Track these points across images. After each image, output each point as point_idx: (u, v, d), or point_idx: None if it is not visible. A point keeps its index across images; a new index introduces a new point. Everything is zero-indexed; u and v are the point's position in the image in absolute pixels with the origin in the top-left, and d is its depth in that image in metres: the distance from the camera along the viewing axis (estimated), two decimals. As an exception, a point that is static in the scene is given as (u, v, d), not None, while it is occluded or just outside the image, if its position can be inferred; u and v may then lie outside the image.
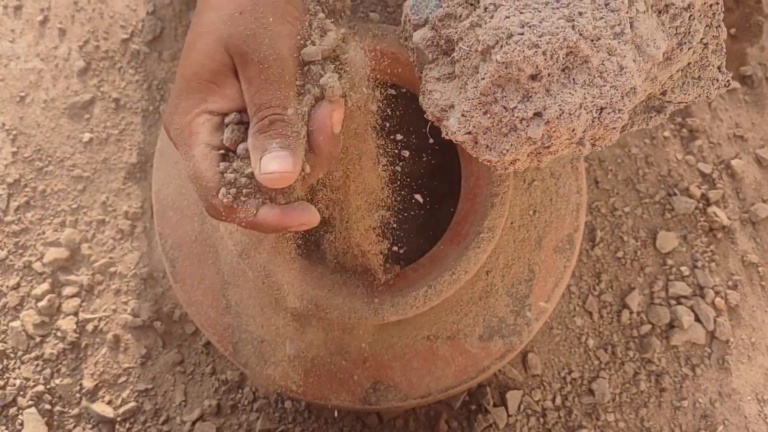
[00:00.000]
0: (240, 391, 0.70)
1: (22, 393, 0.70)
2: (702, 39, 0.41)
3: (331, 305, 0.52)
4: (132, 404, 0.69)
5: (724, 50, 0.42)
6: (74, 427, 0.69)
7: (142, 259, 0.74)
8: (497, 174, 0.54)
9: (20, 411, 0.69)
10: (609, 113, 0.37)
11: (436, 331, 0.56)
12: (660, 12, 0.39)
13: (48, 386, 0.70)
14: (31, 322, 0.71)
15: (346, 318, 0.52)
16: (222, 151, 0.41)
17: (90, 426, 0.69)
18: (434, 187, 0.67)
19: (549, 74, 0.36)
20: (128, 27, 0.81)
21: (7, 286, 0.73)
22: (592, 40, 0.36)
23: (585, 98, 0.36)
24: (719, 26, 0.41)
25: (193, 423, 0.69)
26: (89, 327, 0.72)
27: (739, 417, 0.71)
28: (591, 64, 0.36)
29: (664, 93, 0.42)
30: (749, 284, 0.76)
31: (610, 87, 0.36)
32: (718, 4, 0.40)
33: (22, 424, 0.68)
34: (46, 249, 0.74)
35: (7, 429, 0.68)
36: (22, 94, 0.79)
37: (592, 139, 0.39)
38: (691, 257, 0.76)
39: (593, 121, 0.37)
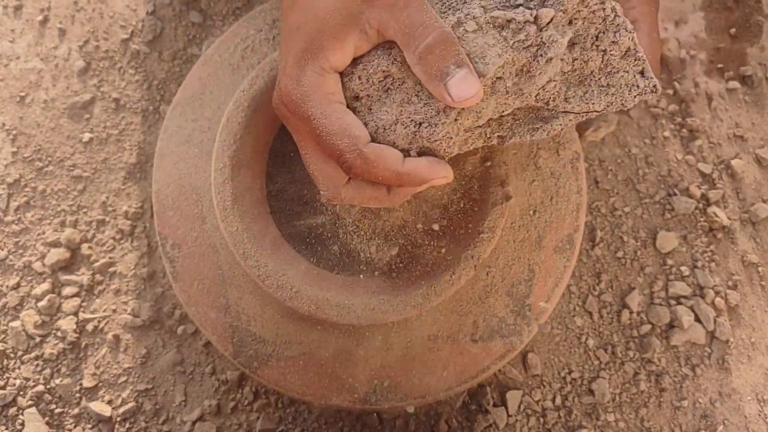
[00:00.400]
0: (240, 391, 0.70)
1: (22, 393, 0.70)
2: (596, 45, 0.41)
3: (331, 305, 0.52)
4: (132, 404, 0.69)
5: (642, 56, 0.41)
6: (74, 427, 0.69)
7: (142, 259, 0.74)
8: (497, 174, 0.54)
9: (20, 411, 0.69)
10: (426, 127, 0.41)
11: (436, 331, 0.56)
12: (501, 28, 0.39)
13: (48, 386, 0.70)
14: (31, 322, 0.71)
15: (346, 318, 0.52)
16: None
17: (90, 426, 0.69)
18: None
19: (368, 95, 0.42)
20: (128, 27, 0.81)
21: (7, 286, 0.73)
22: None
23: (401, 114, 0.41)
24: (618, 32, 0.40)
25: (193, 423, 0.69)
26: (89, 327, 0.72)
27: (739, 417, 0.71)
28: (407, 85, 0.41)
29: (547, 103, 0.42)
30: (749, 284, 0.76)
31: (424, 104, 0.40)
32: (604, 9, 0.40)
33: (22, 424, 0.68)
34: (46, 249, 0.74)
35: (7, 429, 0.69)
36: (22, 94, 0.79)
37: (421, 151, 0.42)
38: (691, 257, 0.76)
39: (415, 135, 0.41)
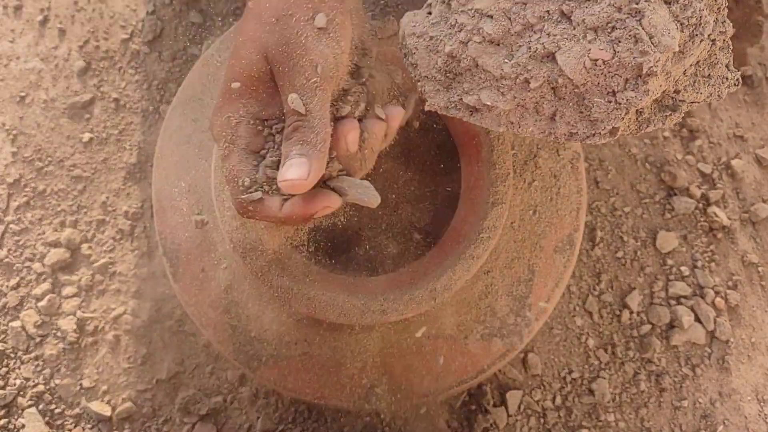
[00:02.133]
0: (240, 391, 0.70)
1: (22, 393, 0.70)
2: (709, 35, 0.40)
3: (331, 305, 0.52)
4: (131, 404, 0.69)
5: (731, 47, 0.41)
6: (74, 426, 0.69)
7: (142, 259, 0.74)
8: (497, 174, 0.54)
9: (20, 411, 0.69)
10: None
11: (436, 331, 0.56)
12: (669, 2, 0.38)
13: (48, 386, 0.70)
14: (31, 322, 0.71)
15: (347, 318, 0.52)
16: (259, 153, 0.43)
17: (90, 426, 0.69)
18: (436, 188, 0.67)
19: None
20: (128, 27, 0.81)
21: (7, 286, 0.73)
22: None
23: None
24: (725, 21, 0.40)
25: (194, 423, 0.69)
26: (89, 327, 0.72)
27: (739, 417, 0.71)
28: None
29: (677, 92, 0.41)
30: (749, 284, 0.76)
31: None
32: None
33: (22, 425, 0.68)
34: (46, 249, 0.74)
35: (7, 429, 0.69)
36: (22, 94, 0.79)
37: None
38: (691, 257, 0.76)
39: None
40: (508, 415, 0.69)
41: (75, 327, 0.71)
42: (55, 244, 0.73)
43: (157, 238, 0.59)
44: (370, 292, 0.53)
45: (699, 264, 0.75)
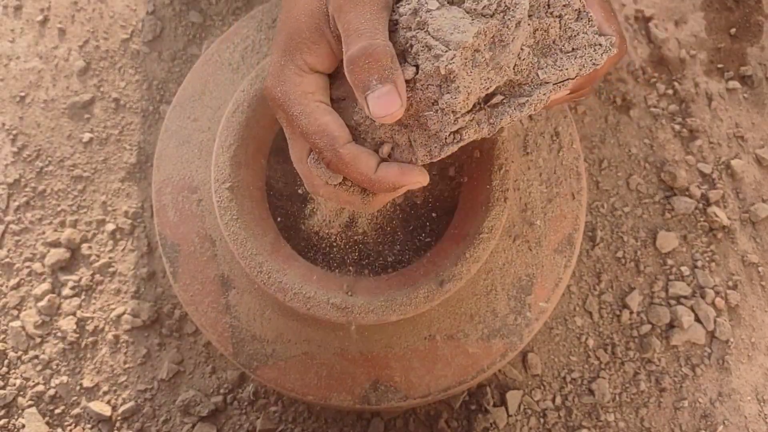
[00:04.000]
0: (240, 391, 0.70)
1: (22, 393, 0.70)
2: (551, 12, 0.41)
3: (330, 305, 0.52)
4: (132, 404, 0.69)
5: (591, 16, 0.42)
6: (74, 426, 0.69)
7: (142, 259, 0.74)
8: (497, 174, 0.54)
9: (20, 411, 0.69)
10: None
11: (436, 331, 0.56)
12: (459, 2, 0.40)
13: (48, 386, 0.70)
14: (31, 322, 0.71)
15: (346, 318, 0.52)
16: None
17: (90, 426, 0.69)
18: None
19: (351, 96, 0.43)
20: (128, 27, 0.81)
21: (7, 286, 0.73)
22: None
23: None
24: None
25: (194, 423, 0.69)
26: (89, 327, 0.72)
27: (739, 417, 0.71)
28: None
29: (525, 76, 0.42)
30: (749, 284, 0.76)
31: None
32: None
33: (22, 425, 0.68)
34: (46, 249, 0.74)
35: (7, 429, 0.69)
36: (22, 94, 0.79)
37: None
38: (691, 257, 0.76)
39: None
40: (508, 415, 0.69)
41: (75, 327, 0.71)
42: (55, 244, 0.73)
43: (157, 238, 0.59)
44: (370, 292, 0.53)
45: (699, 264, 0.75)
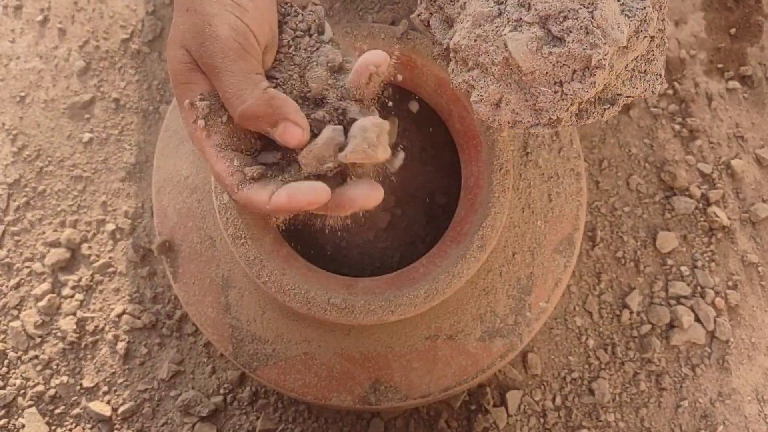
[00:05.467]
0: (240, 391, 0.70)
1: (22, 393, 0.70)
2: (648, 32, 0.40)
3: (331, 305, 0.52)
4: (131, 404, 0.69)
5: (667, 46, 0.41)
6: (74, 427, 0.69)
7: (142, 260, 0.74)
8: (497, 174, 0.54)
9: (20, 411, 0.69)
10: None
11: (436, 331, 0.56)
12: None
13: (48, 386, 0.70)
14: (31, 322, 0.71)
15: (346, 318, 0.52)
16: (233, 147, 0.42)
17: (90, 426, 0.69)
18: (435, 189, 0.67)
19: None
20: (128, 27, 0.81)
21: (7, 286, 0.73)
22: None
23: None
24: (664, 20, 0.40)
25: (194, 423, 0.69)
26: (89, 327, 0.72)
27: (739, 417, 0.71)
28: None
29: (616, 85, 0.42)
30: (749, 284, 0.76)
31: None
32: None
33: (22, 425, 0.68)
34: (46, 249, 0.74)
35: (7, 429, 0.69)
36: (22, 94, 0.79)
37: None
38: (691, 257, 0.76)
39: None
40: (508, 415, 0.69)
41: (75, 327, 0.71)
42: (55, 244, 0.73)
43: (157, 238, 0.59)
44: (370, 292, 0.53)
45: (699, 264, 0.75)
